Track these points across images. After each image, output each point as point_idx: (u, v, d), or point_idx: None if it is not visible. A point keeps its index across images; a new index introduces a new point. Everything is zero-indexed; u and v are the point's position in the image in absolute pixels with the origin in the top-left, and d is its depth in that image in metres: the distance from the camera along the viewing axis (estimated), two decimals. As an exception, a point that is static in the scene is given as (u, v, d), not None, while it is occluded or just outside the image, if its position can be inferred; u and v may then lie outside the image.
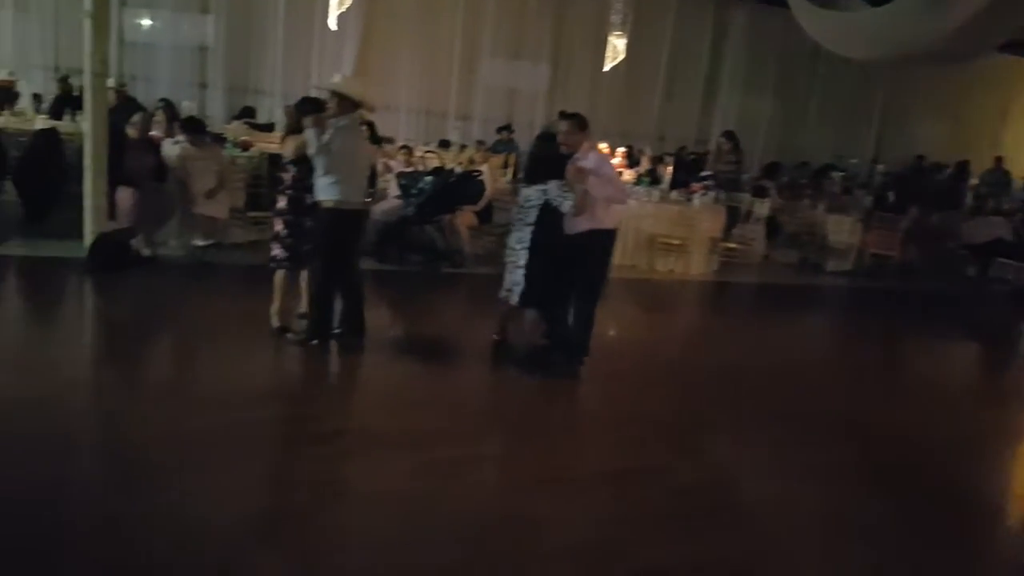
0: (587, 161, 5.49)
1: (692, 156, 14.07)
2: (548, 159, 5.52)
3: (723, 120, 16.29)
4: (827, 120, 17.23)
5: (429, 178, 9.04)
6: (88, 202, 7.22)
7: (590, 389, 5.68)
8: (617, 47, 13.80)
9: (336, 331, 5.82)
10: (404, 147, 10.14)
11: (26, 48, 12.74)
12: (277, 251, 5.72)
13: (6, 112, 10.10)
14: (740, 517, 4.09)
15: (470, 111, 15.01)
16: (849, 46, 8.94)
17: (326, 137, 5.37)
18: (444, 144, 12.73)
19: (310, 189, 5.58)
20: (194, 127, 8.05)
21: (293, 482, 3.95)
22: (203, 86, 13.49)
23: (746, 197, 10.99)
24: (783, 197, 12.17)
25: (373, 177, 10.14)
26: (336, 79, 5.98)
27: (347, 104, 5.50)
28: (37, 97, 11.35)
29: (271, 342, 5.78)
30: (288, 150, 5.68)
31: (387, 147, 10.45)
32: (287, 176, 5.69)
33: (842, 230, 11.68)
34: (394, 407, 4.97)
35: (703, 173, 11.06)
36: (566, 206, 5.33)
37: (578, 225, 5.48)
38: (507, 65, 15.26)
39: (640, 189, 10.36)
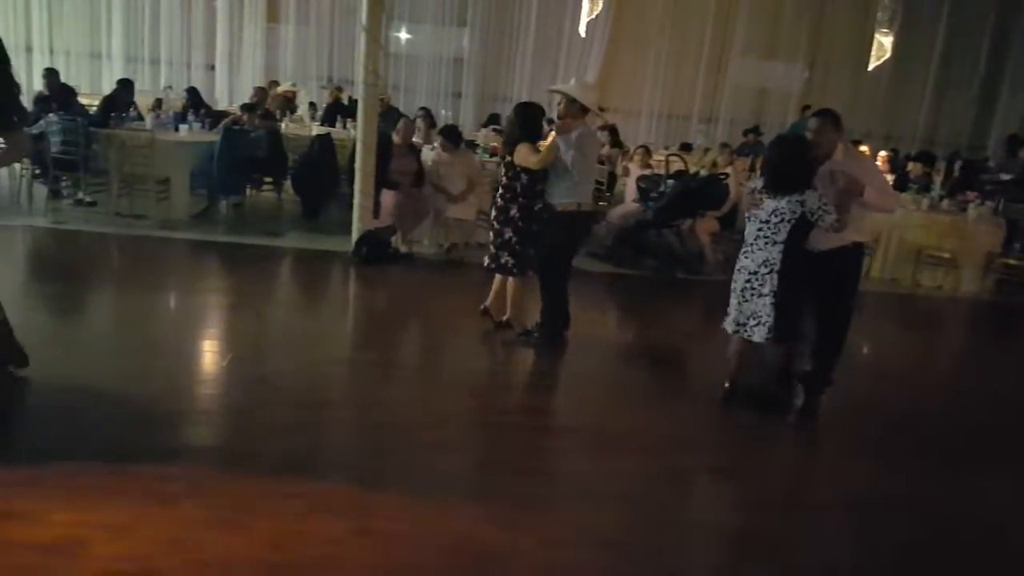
0: (846, 165, 4.65)
1: (964, 161, 12.78)
2: (802, 165, 4.64)
3: (1004, 123, 14.65)
4: None
5: (670, 182, 8.86)
6: (357, 202, 7.80)
7: (835, 416, 5.18)
8: (883, 45, 12.85)
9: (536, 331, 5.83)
10: (642, 147, 10.02)
11: (305, 60, 14.11)
12: (507, 258, 5.71)
13: (286, 119, 11.19)
14: (992, 555, 3.63)
15: (715, 113, 14.65)
16: None
17: (575, 142, 5.40)
18: (686, 147, 12.50)
19: (539, 195, 5.61)
20: (449, 135, 8.43)
21: (532, 471, 3.97)
22: (458, 95, 14.24)
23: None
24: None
25: (612, 180, 10.19)
26: (571, 83, 5.92)
27: (575, 108, 5.48)
28: (312, 106, 12.48)
29: (505, 337, 5.90)
30: (536, 160, 5.46)
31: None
32: (519, 184, 5.59)
33: None
34: (626, 410, 4.88)
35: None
36: (828, 220, 4.49)
37: (834, 239, 4.66)
38: (758, 64, 14.74)
39: (907, 196, 9.52)
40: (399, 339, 6.19)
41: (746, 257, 4.78)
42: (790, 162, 4.67)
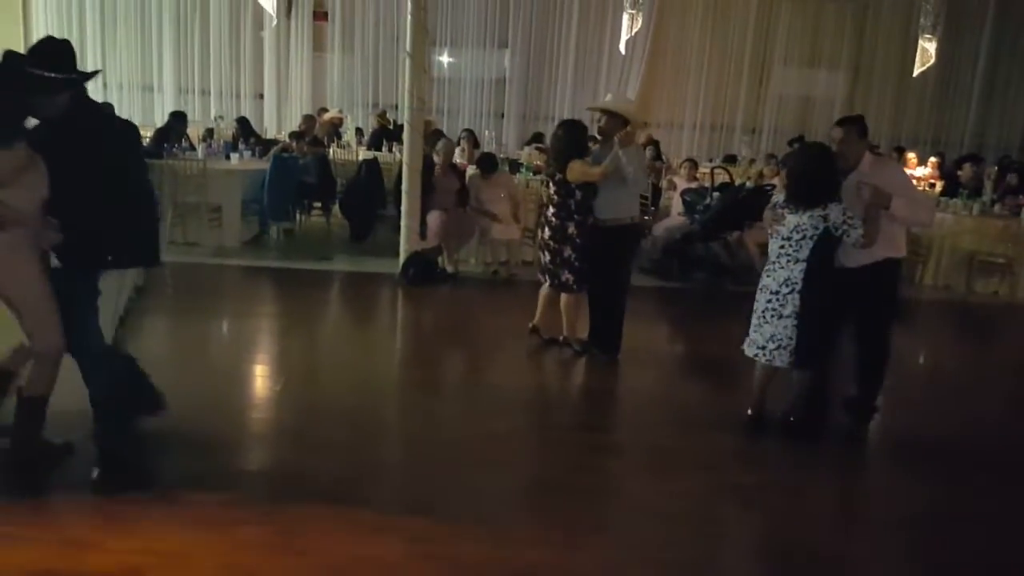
0: (873, 176, 4.36)
1: (1015, 165, 12.51)
2: (825, 177, 4.35)
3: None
4: None
5: (716, 194, 8.85)
6: (403, 224, 7.94)
7: (894, 430, 5.10)
8: (928, 50, 12.70)
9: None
10: (689, 160, 10.04)
11: (351, 87, 14.42)
12: (567, 275, 5.76)
13: (334, 146, 11.42)
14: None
15: (759, 123, 14.58)
16: None
17: (634, 155, 5.49)
18: (730, 159, 12.45)
19: (590, 210, 5.65)
20: (485, 163, 8.55)
21: (588, 490, 3.99)
22: (500, 115, 14.41)
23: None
24: None
25: (657, 194, 10.20)
26: (608, 98, 5.96)
27: (618, 121, 5.55)
28: (359, 131, 12.72)
29: (557, 353, 5.96)
30: (598, 173, 5.46)
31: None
32: (573, 201, 5.63)
33: None
34: (682, 426, 4.82)
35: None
36: (854, 236, 4.23)
37: (867, 255, 4.39)
38: (801, 73, 14.66)
39: (958, 201, 9.37)
40: (449, 358, 6.27)
41: (768, 276, 4.53)
42: (812, 174, 4.38)
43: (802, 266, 4.35)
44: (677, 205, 9.16)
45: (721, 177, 9.46)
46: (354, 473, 3.93)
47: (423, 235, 8.00)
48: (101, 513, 3.39)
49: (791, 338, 4.42)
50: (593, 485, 4.03)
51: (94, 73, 3.75)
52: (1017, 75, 14.57)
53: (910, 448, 4.83)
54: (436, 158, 8.27)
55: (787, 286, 4.40)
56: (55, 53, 3.42)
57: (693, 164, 9.79)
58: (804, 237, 4.33)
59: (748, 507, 3.94)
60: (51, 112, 3.34)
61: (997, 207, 9.43)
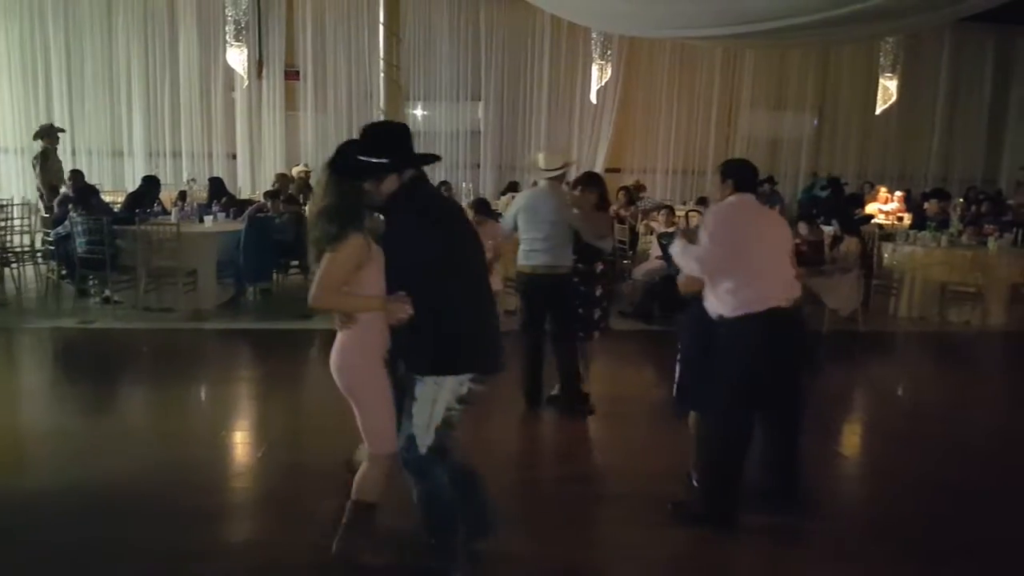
0: (705, 215, 4.15)
1: (983, 195, 12.84)
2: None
3: (1013, 154, 14.78)
4: None
5: (691, 237, 8.95)
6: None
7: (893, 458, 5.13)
8: (889, 88, 13.12)
9: (553, 395, 5.84)
10: (666, 207, 10.21)
11: (325, 144, 14.44)
12: None
13: (310, 202, 11.39)
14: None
15: (729, 166, 14.85)
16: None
17: (517, 205, 5.71)
18: (702, 201, 12.61)
19: (588, 258, 5.80)
20: (480, 207, 8.60)
21: (592, 541, 3.97)
22: (476, 166, 14.54)
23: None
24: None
25: (635, 238, 10.30)
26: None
27: (543, 173, 5.72)
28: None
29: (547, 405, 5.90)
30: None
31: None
32: None
33: None
34: (675, 473, 4.68)
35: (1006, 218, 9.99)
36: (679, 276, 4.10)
37: (714, 305, 3.99)
38: (768, 116, 15.02)
39: (926, 233, 9.58)
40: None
41: None
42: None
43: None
44: (656, 249, 9.25)
45: (695, 220, 9.58)
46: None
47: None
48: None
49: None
50: (592, 536, 4.03)
51: (422, 157, 3.44)
52: (975, 109, 15.03)
53: (894, 480, 4.87)
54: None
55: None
56: (376, 136, 3.31)
57: (670, 211, 9.98)
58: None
59: (749, 551, 3.94)
60: (380, 198, 3.18)
61: (964, 237, 9.64)
